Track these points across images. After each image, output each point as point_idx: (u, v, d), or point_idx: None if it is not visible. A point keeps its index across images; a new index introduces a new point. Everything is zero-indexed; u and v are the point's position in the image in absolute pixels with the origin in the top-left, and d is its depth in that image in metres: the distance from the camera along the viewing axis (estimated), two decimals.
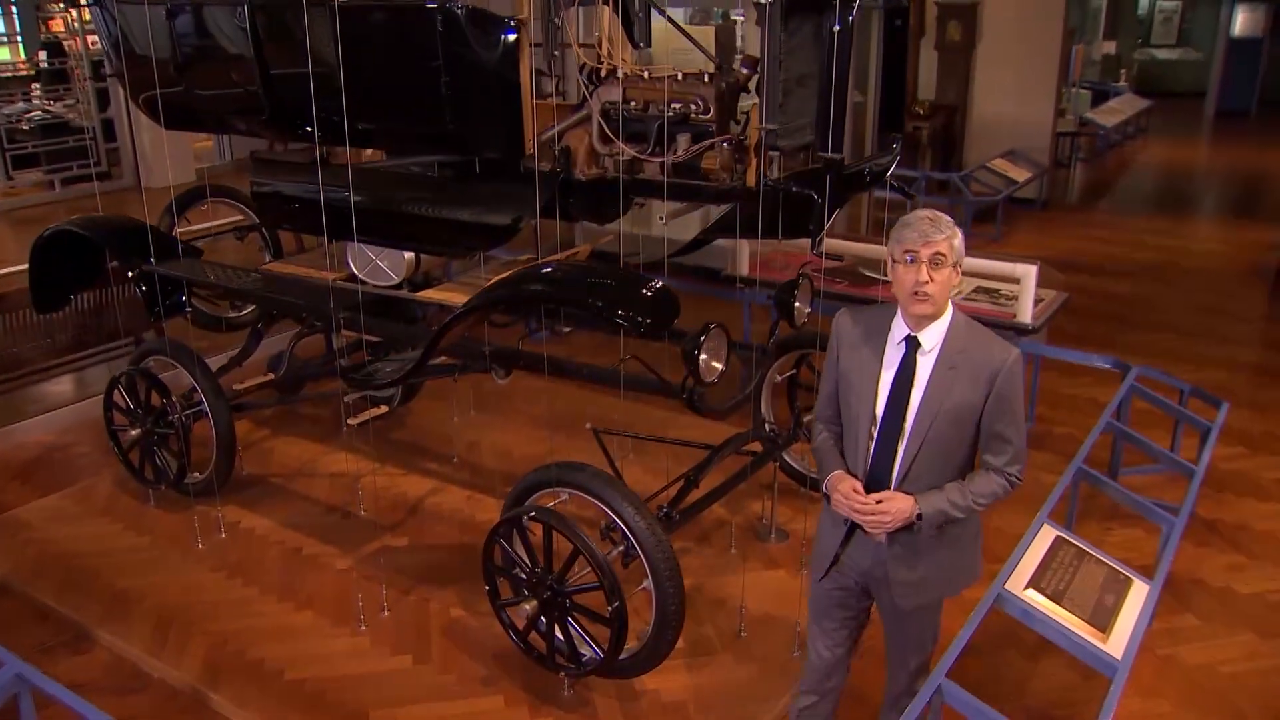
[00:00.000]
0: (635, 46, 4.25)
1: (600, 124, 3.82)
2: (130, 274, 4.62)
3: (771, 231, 3.58)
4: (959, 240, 2.61)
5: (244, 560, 4.69)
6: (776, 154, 3.51)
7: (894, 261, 2.64)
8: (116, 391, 5.00)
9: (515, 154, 3.84)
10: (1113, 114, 14.45)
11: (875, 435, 2.72)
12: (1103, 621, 3.39)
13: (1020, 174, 10.56)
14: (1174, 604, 4.36)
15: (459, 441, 5.79)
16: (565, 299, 3.23)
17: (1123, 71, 17.53)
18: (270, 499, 5.23)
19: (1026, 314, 5.44)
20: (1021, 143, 10.97)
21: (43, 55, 12.66)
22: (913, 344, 2.69)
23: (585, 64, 3.99)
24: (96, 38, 11.48)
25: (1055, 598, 3.44)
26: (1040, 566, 3.58)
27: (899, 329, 2.71)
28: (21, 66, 13.57)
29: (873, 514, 2.69)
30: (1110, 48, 17.70)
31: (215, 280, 4.60)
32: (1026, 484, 5.39)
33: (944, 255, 2.57)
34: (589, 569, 3.46)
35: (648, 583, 3.47)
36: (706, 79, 3.74)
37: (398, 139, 4.18)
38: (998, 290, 5.89)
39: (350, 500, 5.18)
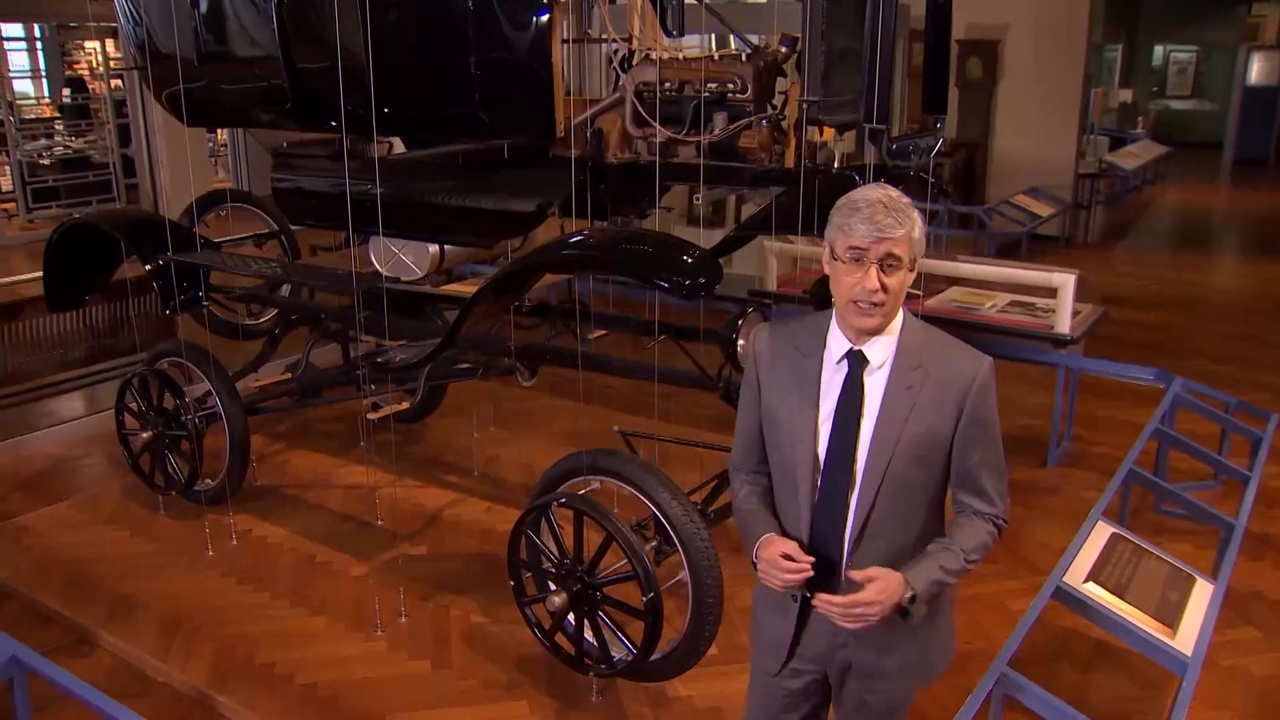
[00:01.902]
0: (669, 35, 4.16)
1: (634, 104, 3.71)
2: (147, 267, 4.50)
3: (810, 223, 3.43)
4: (919, 230, 2.00)
5: (255, 566, 4.51)
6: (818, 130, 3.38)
7: (833, 257, 2.04)
8: (129, 394, 4.86)
9: (546, 138, 3.74)
10: (1132, 158, 14.42)
11: (818, 485, 2.12)
12: (1169, 618, 3.19)
13: (1043, 209, 10.49)
14: (1233, 617, 4.13)
15: (479, 456, 5.62)
16: (604, 263, 3.08)
17: (1140, 119, 17.55)
18: (284, 509, 5.06)
19: (1065, 324, 5.28)
20: (1043, 182, 10.92)
21: (66, 92, 12.76)
22: (857, 361, 2.08)
23: (618, 49, 3.90)
24: (119, 69, 11.59)
25: (1117, 592, 3.24)
26: (1098, 562, 3.39)
27: (837, 343, 2.11)
28: (45, 108, 13.71)
29: (854, 606, 2.02)
30: (1127, 95, 17.74)
31: (233, 268, 4.47)
32: (1071, 500, 5.29)
33: (899, 257, 1.97)
34: (621, 561, 3.27)
35: (684, 574, 3.27)
36: (744, 58, 3.64)
37: (425, 124, 4.08)
38: (1033, 304, 5.74)
39: (366, 511, 5.00)
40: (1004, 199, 10.50)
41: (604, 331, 4.75)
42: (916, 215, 2.01)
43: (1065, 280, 5.24)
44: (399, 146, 4.56)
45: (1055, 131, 11.12)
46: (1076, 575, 3.29)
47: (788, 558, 2.09)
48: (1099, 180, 13.48)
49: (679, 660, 3.40)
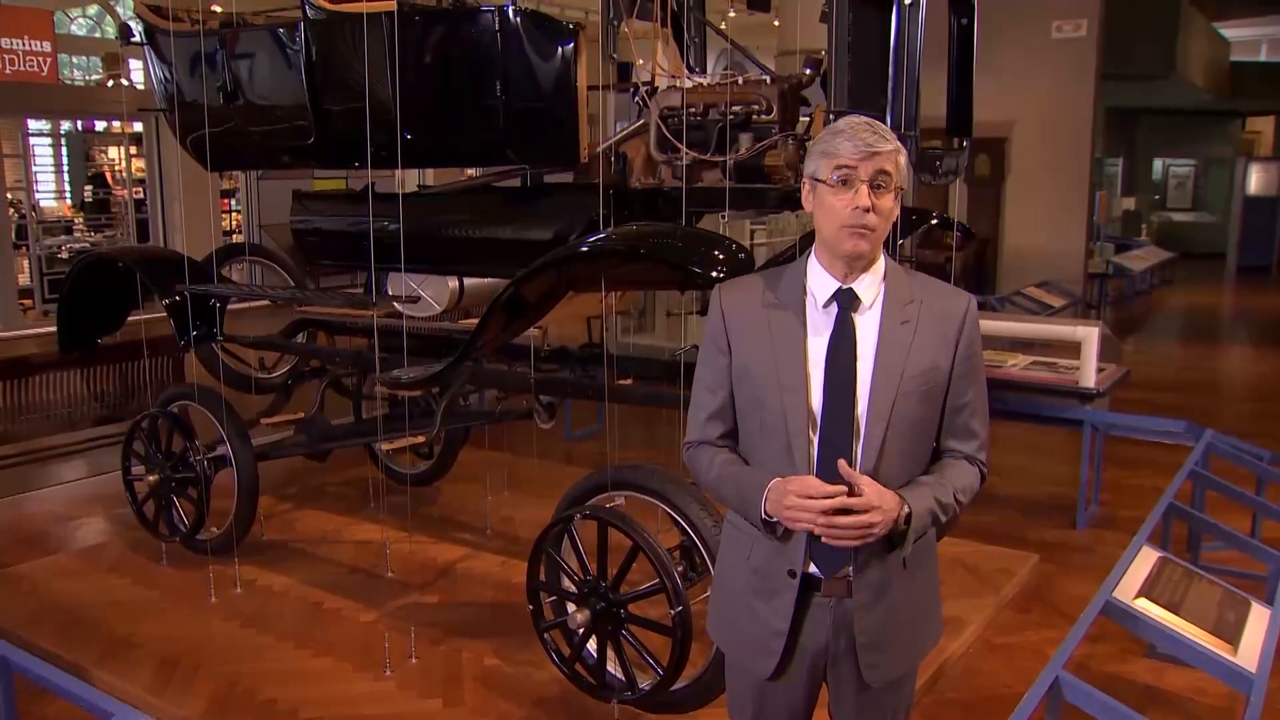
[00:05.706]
0: (690, 71, 4.22)
1: (660, 127, 3.72)
2: (164, 302, 4.46)
3: None
4: (904, 157, 1.95)
5: (259, 611, 4.33)
6: None
7: (817, 182, 1.94)
8: (137, 437, 4.76)
9: (570, 164, 3.74)
10: (1139, 260, 14.55)
11: (816, 439, 1.96)
12: (1229, 635, 3.01)
13: (1056, 301, 10.48)
14: None
15: (493, 516, 5.46)
16: (632, 254, 3.02)
17: (1144, 226, 17.79)
18: (291, 560, 4.90)
19: (1089, 378, 5.19)
20: (1054, 278, 10.97)
21: (88, 190, 13.03)
22: (847, 300, 1.97)
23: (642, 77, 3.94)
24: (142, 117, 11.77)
25: (1171, 609, 3.07)
26: (1147, 582, 3.22)
27: (821, 285, 1.99)
28: (67, 211, 13.97)
29: (856, 511, 1.86)
30: (1130, 203, 18.01)
31: (250, 293, 4.43)
32: (1104, 558, 5.10)
33: (889, 175, 1.90)
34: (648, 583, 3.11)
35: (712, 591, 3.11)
36: (769, 80, 3.67)
37: (450, 153, 4.09)
38: (1055, 363, 5.66)
39: (376, 564, 4.83)
40: (1016, 290, 10.53)
41: (629, 380, 4.65)
42: (901, 144, 1.96)
43: (1089, 333, 5.18)
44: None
45: (1063, 229, 11.19)
46: (1126, 593, 3.12)
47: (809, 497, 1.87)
48: (1108, 281, 13.57)
49: (705, 688, 3.20)
